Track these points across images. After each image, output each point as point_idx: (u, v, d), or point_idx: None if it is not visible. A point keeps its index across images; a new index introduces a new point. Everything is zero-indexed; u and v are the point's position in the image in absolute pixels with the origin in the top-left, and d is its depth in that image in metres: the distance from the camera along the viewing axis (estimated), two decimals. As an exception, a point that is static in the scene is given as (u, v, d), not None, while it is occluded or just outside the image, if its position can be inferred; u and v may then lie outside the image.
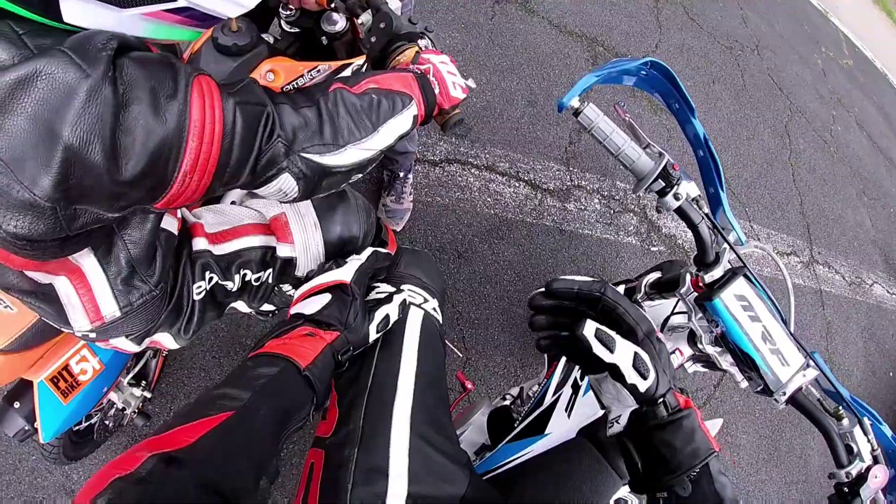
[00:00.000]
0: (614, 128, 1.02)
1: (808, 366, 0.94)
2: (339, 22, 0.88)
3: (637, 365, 0.57)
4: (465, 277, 1.90)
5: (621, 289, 1.91)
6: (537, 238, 2.08)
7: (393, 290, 0.84)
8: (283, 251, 0.85)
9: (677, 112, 1.17)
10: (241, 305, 0.90)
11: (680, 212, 0.99)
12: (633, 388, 0.57)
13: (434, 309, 0.87)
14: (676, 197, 0.97)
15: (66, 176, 0.40)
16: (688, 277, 1.07)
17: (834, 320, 2.98)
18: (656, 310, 1.28)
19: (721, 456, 2.07)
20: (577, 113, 0.99)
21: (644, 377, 0.57)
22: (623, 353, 0.57)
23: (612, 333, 0.57)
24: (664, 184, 0.97)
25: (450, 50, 2.14)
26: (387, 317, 0.77)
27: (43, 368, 0.89)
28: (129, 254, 0.63)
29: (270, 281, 0.87)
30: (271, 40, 0.98)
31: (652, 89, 1.17)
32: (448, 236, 1.91)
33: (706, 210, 1.01)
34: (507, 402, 1.37)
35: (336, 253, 0.90)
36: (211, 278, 0.79)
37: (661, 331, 1.23)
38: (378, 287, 0.87)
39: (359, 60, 0.94)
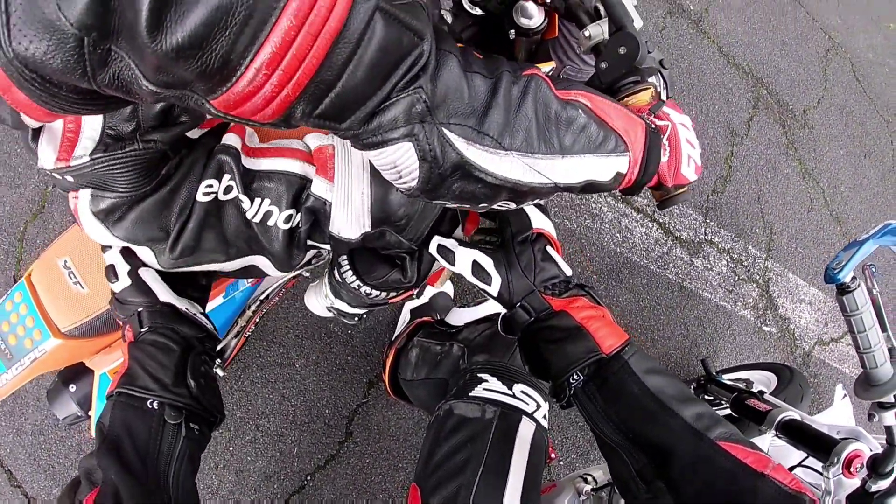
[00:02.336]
0: (875, 322, 0.82)
1: None
2: (536, 17, 0.71)
3: (477, 272, 0.59)
4: (571, 315, 1.68)
5: (731, 376, 1.67)
6: (656, 289, 1.84)
7: (505, 389, 0.72)
8: (317, 188, 0.62)
9: None
10: (268, 267, 0.68)
11: (889, 429, 0.86)
12: (487, 294, 0.60)
13: (544, 416, 0.74)
14: None
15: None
16: (843, 455, 0.93)
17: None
18: (779, 450, 1.19)
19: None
20: (843, 291, 0.81)
21: (486, 283, 0.59)
22: (461, 263, 0.60)
23: (452, 244, 0.61)
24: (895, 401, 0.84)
25: (610, 57, 1.89)
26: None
27: (108, 358, 0.77)
28: (140, 106, 0.49)
29: (300, 226, 0.65)
30: (449, 19, 0.80)
31: None
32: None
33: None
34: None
35: (378, 223, 0.66)
36: (228, 186, 0.59)
37: None
38: (486, 381, 0.73)
39: (546, 67, 0.75)
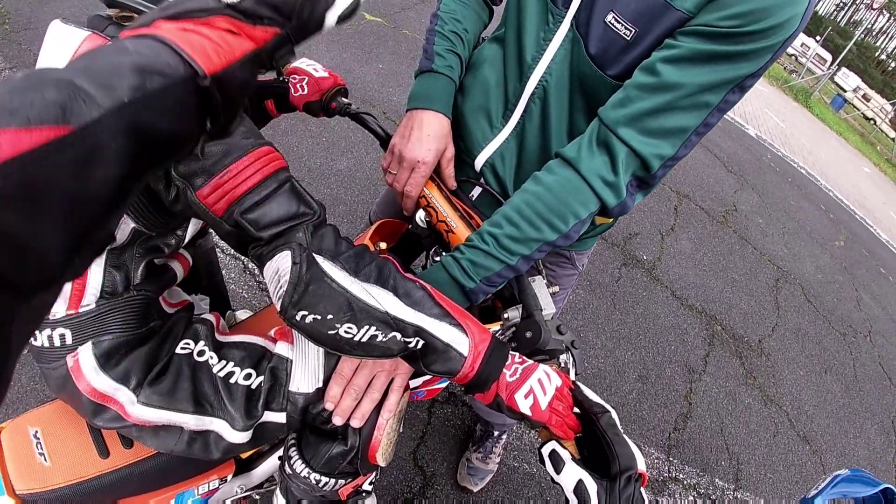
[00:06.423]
0: None
1: None
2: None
3: (578, 491, 0.59)
4: (535, 564, 1.74)
5: None
6: (622, 534, 1.91)
7: None
8: (280, 349, 0.78)
9: None
10: (225, 431, 0.76)
11: None
12: None
13: None
14: None
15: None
16: None
17: None
18: None
19: None
20: None
21: None
22: (568, 477, 0.60)
23: (566, 456, 0.62)
24: None
25: (571, 307, 2.20)
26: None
27: None
28: (131, 267, 0.68)
29: (261, 386, 0.76)
30: None
31: None
32: (530, 511, 1.79)
33: None
34: None
35: (328, 381, 0.78)
36: (202, 350, 0.76)
37: None
38: None
39: (494, 327, 0.85)
